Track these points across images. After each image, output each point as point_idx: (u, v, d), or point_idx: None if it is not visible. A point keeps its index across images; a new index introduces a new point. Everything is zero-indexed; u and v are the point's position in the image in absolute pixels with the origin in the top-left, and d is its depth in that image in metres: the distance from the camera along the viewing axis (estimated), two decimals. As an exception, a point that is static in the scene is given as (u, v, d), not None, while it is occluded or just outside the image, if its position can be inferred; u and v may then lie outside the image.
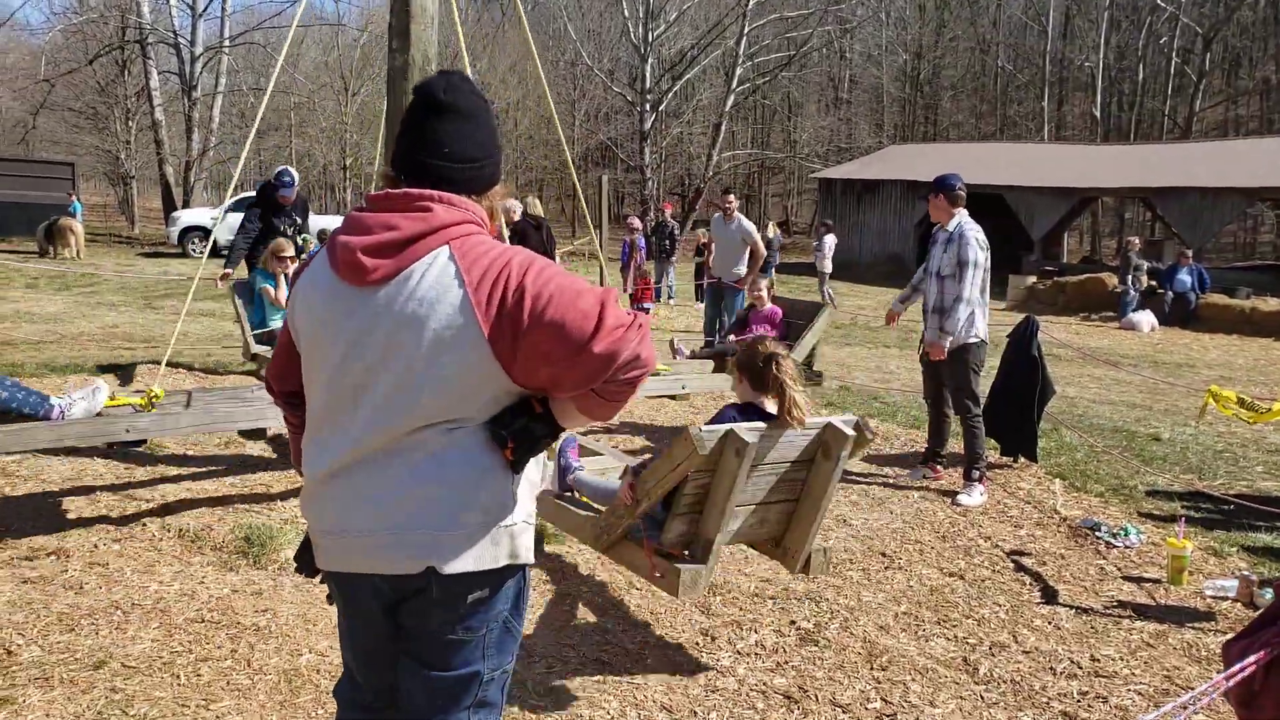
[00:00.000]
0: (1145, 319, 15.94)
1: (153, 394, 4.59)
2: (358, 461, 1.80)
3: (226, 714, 2.95)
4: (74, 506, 4.57)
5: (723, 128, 35.59)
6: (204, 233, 22.20)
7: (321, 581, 2.10)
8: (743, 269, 8.82)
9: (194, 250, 22.00)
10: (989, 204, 26.75)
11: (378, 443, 1.78)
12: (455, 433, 1.77)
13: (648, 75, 33.99)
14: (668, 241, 16.37)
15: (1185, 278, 16.68)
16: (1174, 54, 39.26)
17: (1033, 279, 20.06)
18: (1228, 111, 44.06)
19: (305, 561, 2.14)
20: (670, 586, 3.03)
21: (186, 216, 22.82)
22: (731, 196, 9.48)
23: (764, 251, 10.69)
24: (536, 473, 1.91)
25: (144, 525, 4.36)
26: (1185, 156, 24.97)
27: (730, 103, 35.04)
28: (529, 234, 11.48)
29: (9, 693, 2.99)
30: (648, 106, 34.41)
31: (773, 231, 18.97)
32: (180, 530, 4.32)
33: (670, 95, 35.64)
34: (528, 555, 1.86)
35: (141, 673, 3.15)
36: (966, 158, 29.05)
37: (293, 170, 7.87)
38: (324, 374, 1.84)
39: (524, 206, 11.94)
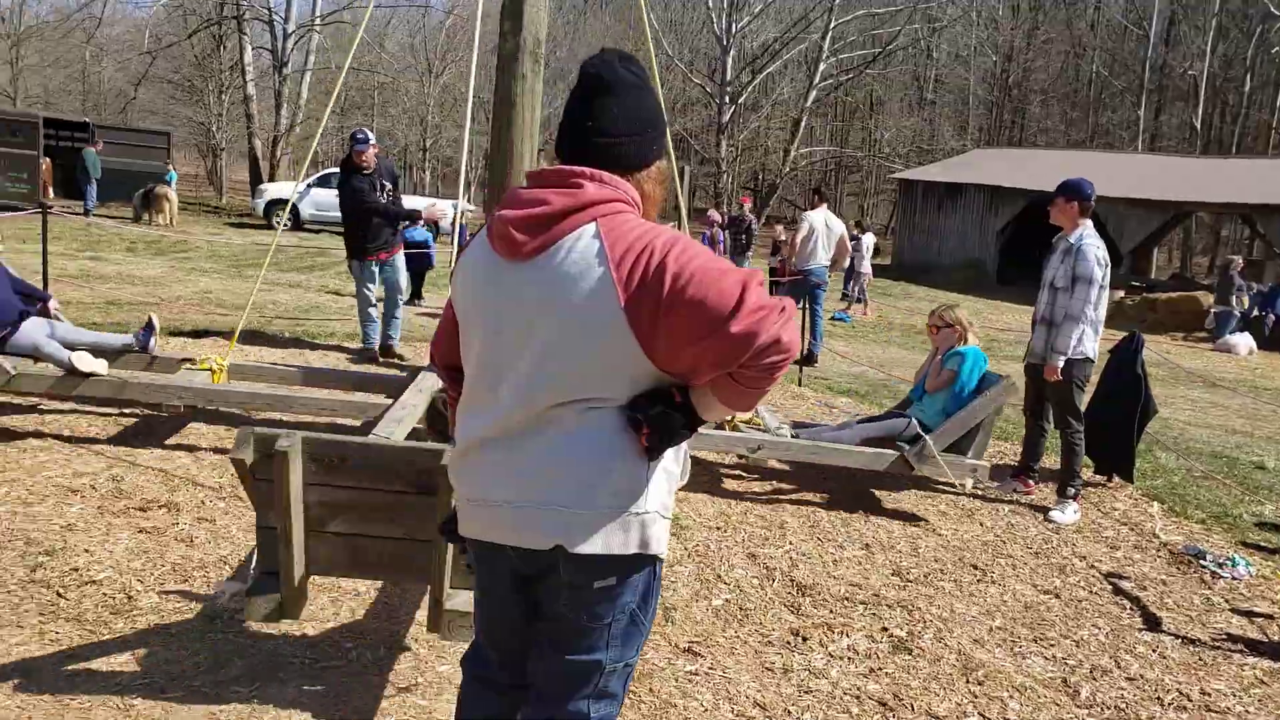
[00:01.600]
0: (1243, 341, 15.37)
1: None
2: (501, 435, 1.82)
3: (333, 677, 3.02)
4: (182, 464, 4.71)
5: (803, 123, 35.20)
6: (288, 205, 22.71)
7: (463, 550, 2.14)
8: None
9: (278, 222, 22.55)
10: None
11: (519, 417, 1.80)
12: (591, 413, 1.77)
13: (729, 67, 33.76)
14: (744, 236, 16.27)
15: (1286, 301, 16.05)
16: (1284, 66, 37.66)
17: (1120, 294, 19.48)
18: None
19: (452, 529, 2.18)
20: None
21: (272, 190, 23.37)
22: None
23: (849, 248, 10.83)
24: (676, 465, 1.89)
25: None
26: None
27: (812, 98, 34.64)
28: None
29: (131, 635, 3.11)
30: (727, 99, 34.18)
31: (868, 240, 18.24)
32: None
33: (750, 88, 35.35)
34: (659, 547, 1.84)
35: (241, 628, 3.23)
36: (1055, 165, 28.19)
37: (368, 130, 7.75)
38: (476, 347, 1.88)
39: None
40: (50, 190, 21.64)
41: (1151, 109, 42.05)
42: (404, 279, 7.90)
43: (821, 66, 33.39)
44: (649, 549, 1.82)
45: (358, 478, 2.61)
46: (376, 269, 7.44)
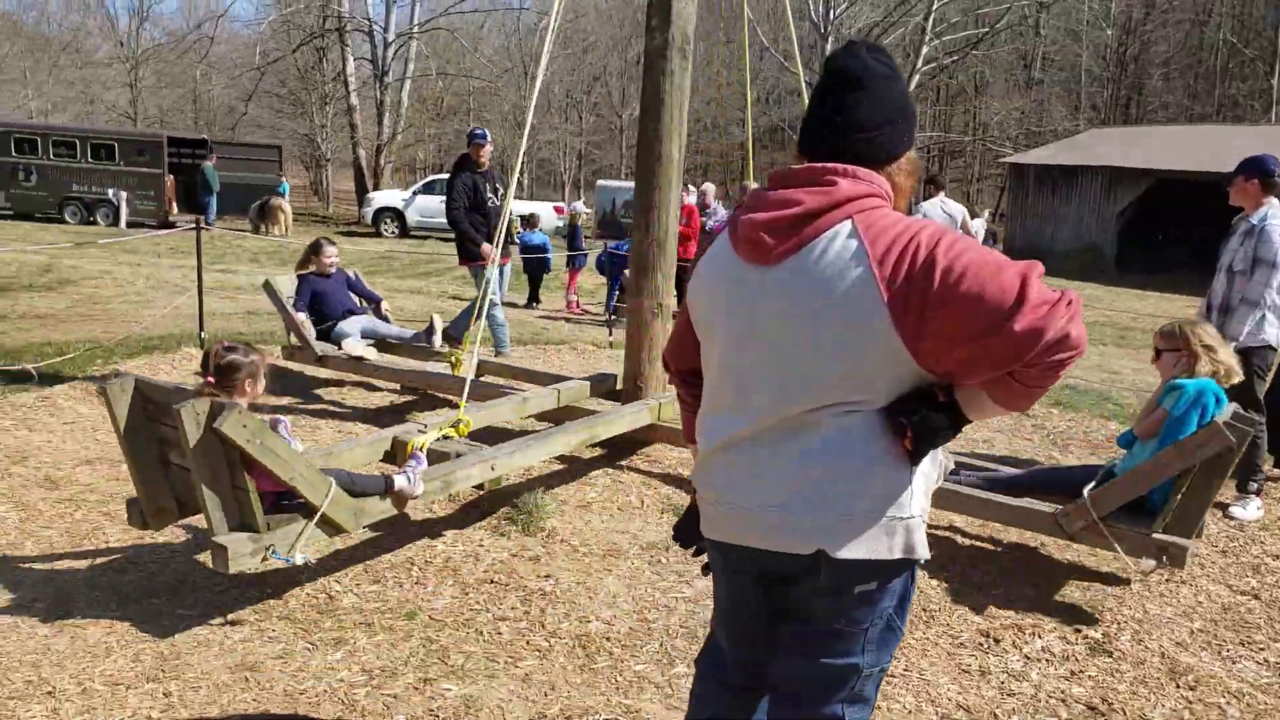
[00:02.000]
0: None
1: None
2: (750, 438, 1.81)
3: (532, 673, 3.07)
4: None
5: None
6: (395, 213, 23.39)
7: (696, 554, 2.14)
8: None
9: (386, 230, 23.21)
10: (1205, 192, 24.81)
11: (771, 422, 1.78)
12: (851, 416, 1.74)
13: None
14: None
15: None
16: None
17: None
18: None
19: (684, 533, 2.18)
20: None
21: (380, 198, 24.06)
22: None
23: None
24: (933, 468, 1.86)
25: (418, 488, 4.60)
26: None
27: (914, 83, 33.80)
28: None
29: (340, 634, 3.22)
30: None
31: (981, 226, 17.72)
32: (451, 495, 4.53)
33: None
34: (923, 551, 1.81)
35: (449, 626, 3.32)
36: (1180, 142, 26.90)
37: (485, 130, 7.80)
38: (720, 352, 1.87)
39: (745, 191, 11.96)
40: (174, 205, 22.74)
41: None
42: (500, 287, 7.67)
43: (924, 50, 32.55)
44: (914, 554, 1.79)
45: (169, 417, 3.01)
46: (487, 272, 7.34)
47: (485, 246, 7.37)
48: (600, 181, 26.01)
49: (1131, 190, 25.43)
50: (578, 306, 11.87)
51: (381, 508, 3.52)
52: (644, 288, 5.05)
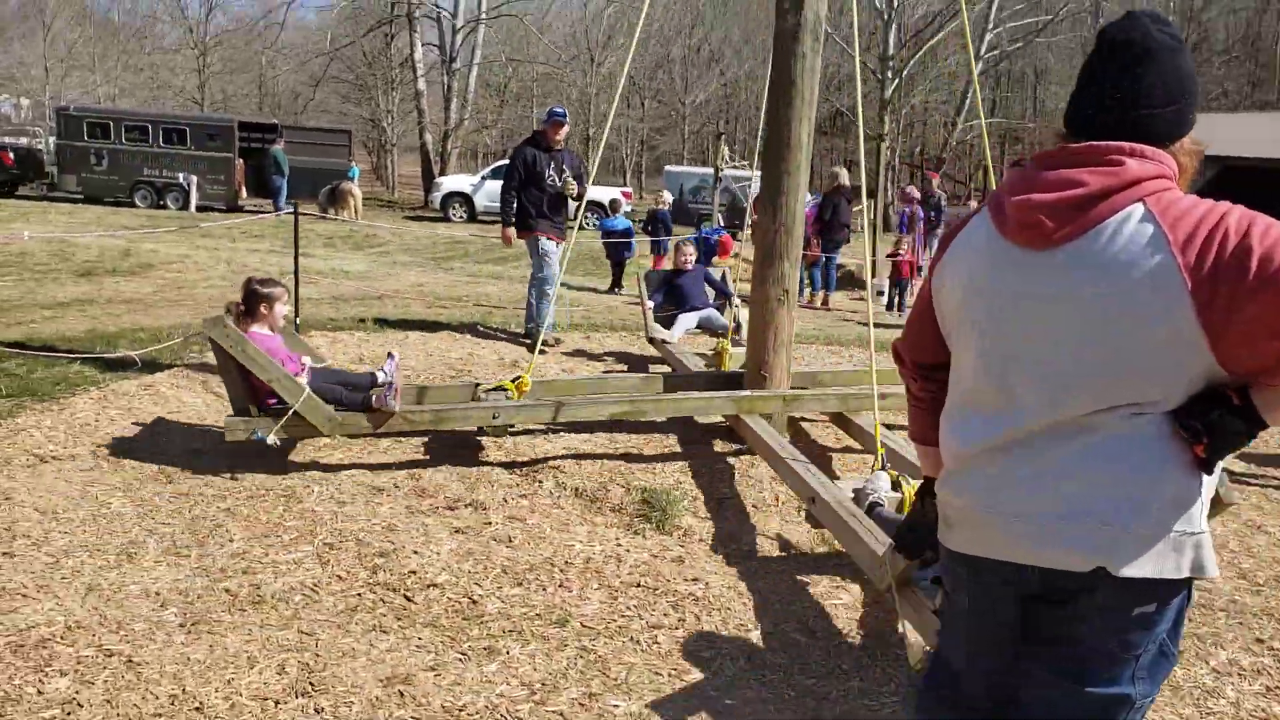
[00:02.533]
0: None
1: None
2: (1020, 441, 1.63)
3: (701, 687, 2.87)
4: (468, 456, 4.73)
5: (969, 96, 33.58)
6: (463, 198, 23.38)
7: (923, 566, 1.95)
8: None
9: (454, 215, 23.21)
10: (1274, 179, 23.89)
11: (1045, 424, 1.60)
12: (1138, 419, 1.55)
13: (890, 40, 32.52)
14: (934, 214, 15.56)
15: None
16: None
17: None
18: None
19: (910, 541, 1.99)
20: None
21: (448, 183, 24.05)
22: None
23: None
24: (1214, 476, 1.63)
25: (539, 482, 4.43)
26: None
27: (979, 69, 32.94)
28: (840, 207, 11.22)
29: (491, 643, 3.05)
30: (889, 74, 32.95)
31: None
32: (576, 489, 4.35)
33: (913, 61, 33.96)
34: (1213, 569, 1.60)
35: (603, 635, 3.14)
36: (1248, 129, 25.95)
37: (564, 109, 7.60)
38: (980, 345, 1.69)
39: (835, 179, 11.65)
40: (244, 190, 22.98)
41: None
42: (553, 269, 7.16)
43: (988, 37, 31.70)
44: (1204, 571, 1.59)
45: None
46: (538, 247, 7.14)
47: (508, 231, 7.29)
48: (668, 168, 25.77)
49: (1200, 177, 24.55)
50: (659, 294, 11.67)
51: (363, 423, 4.41)
52: (769, 275, 4.81)
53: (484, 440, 4.87)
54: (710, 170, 24.65)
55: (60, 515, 3.83)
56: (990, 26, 31.93)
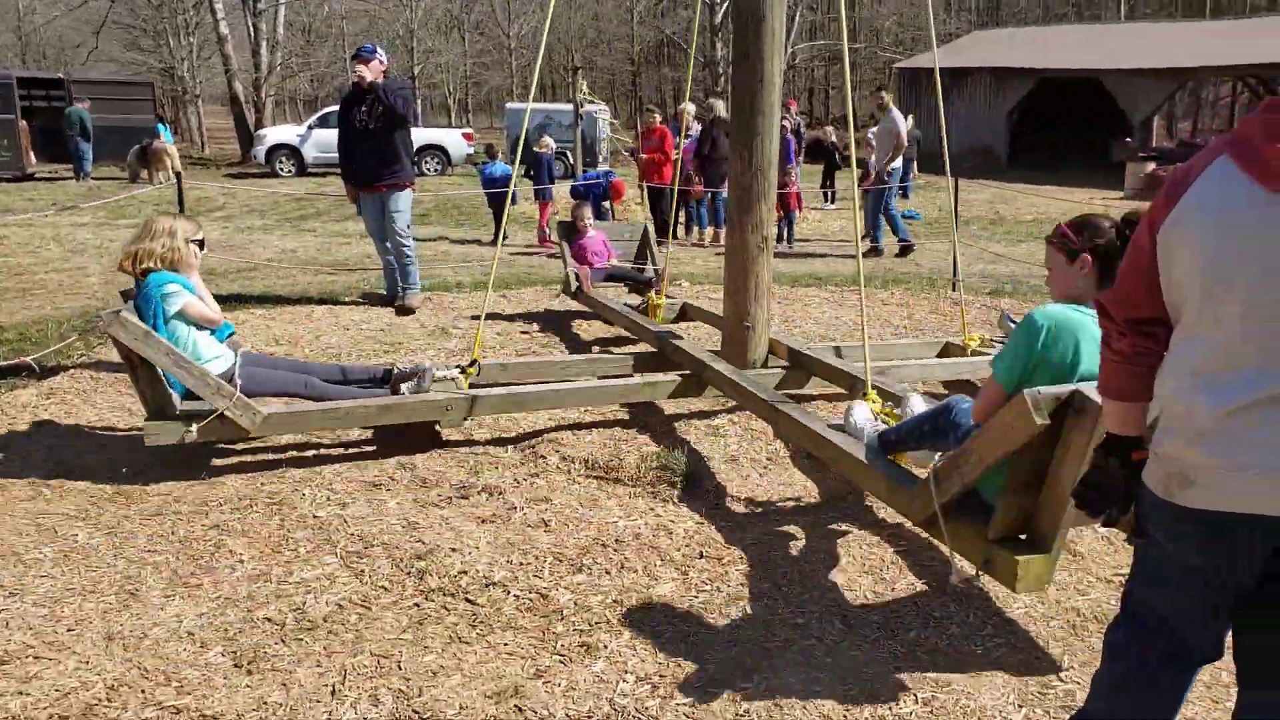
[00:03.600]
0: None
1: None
2: None
3: (816, 651, 2.81)
4: (452, 436, 4.44)
5: (795, 19, 34.19)
6: (290, 150, 21.85)
7: (1106, 523, 1.97)
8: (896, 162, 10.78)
9: (282, 169, 21.68)
10: (1083, 88, 25.73)
11: None
12: None
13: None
14: (797, 142, 15.79)
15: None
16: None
17: (1152, 166, 19.30)
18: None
19: (1093, 499, 1.98)
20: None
21: (272, 135, 22.33)
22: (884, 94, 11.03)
23: (904, 143, 10.99)
24: None
25: (543, 458, 4.21)
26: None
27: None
28: (719, 141, 11.05)
29: (583, 638, 2.87)
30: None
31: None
32: (586, 461, 4.16)
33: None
34: None
35: (691, 614, 3.01)
36: (1060, 42, 27.85)
37: (373, 45, 6.81)
38: (1251, 300, 1.64)
39: (712, 110, 11.51)
40: (31, 154, 20.56)
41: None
42: (401, 220, 6.79)
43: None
44: None
45: None
46: (364, 204, 6.86)
47: (347, 187, 6.90)
48: (509, 104, 24.90)
49: (1018, 90, 26.14)
50: (550, 240, 11.33)
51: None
52: (748, 221, 4.69)
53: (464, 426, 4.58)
54: (557, 106, 24.08)
55: (24, 557, 3.32)
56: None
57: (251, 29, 25.44)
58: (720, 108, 11.56)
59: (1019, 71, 25.94)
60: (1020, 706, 2.57)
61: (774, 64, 4.54)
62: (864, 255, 9.70)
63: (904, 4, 40.56)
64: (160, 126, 21.60)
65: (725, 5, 33.31)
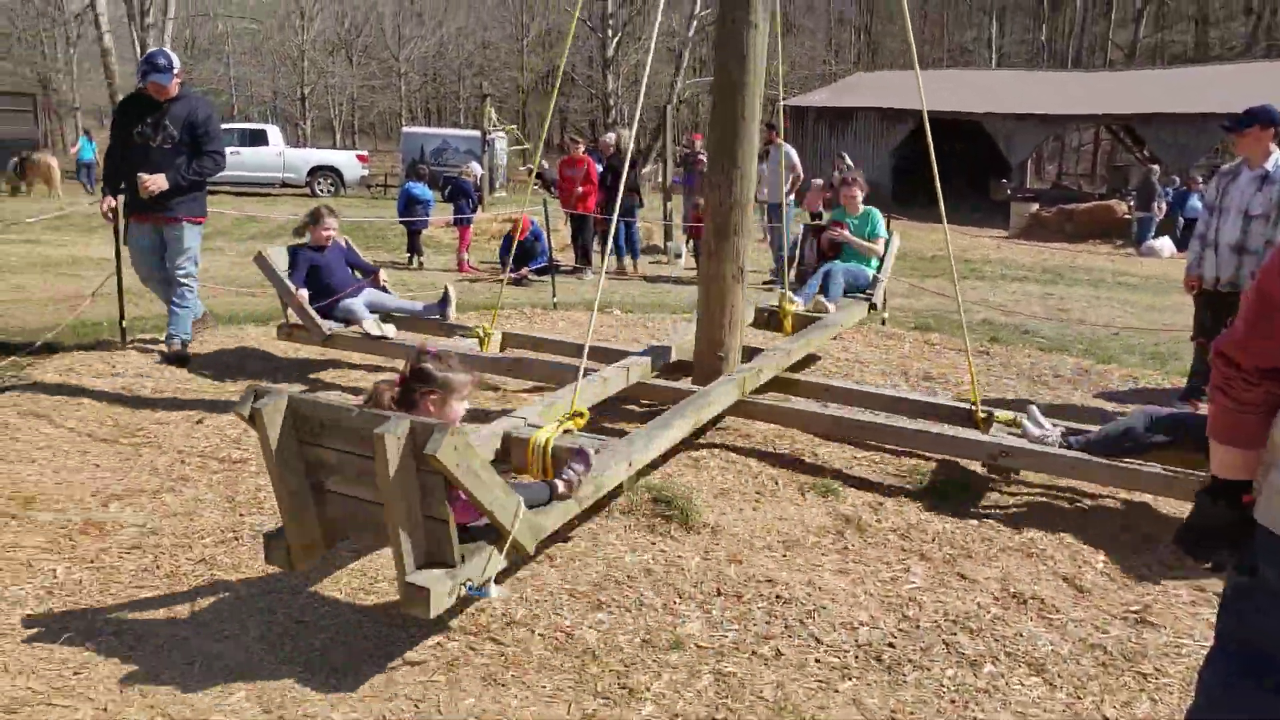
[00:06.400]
0: (1165, 245, 16.47)
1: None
2: None
3: (848, 692, 2.82)
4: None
5: (685, 55, 34.89)
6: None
7: (1213, 568, 2.01)
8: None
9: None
10: (963, 130, 27.14)
11: None
12: None
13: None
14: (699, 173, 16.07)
15: (1196, 203, 17.26)
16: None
17: (1035, 206, 20.49)
18: (1163, 37, 45.31)
19: (1202, 543, 2.02)
20: None
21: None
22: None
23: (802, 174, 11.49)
24: None
25: (532, 492, 4.11)
26: (1161, 82, 25.64)
27: (693, 28, 34.31)
28: (620, 171, 11.10)
29: (622, 680, 2.80)
30: (609, 32, 33.46)
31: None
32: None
33: (631, 20, 34.71)
34: None
35: (724, 654, 2.97)
36: (939, 85, 29.23)
37: (170, 53, 5.98)
38: None
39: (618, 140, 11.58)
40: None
41: (998, 25, 44.02)
42: (186, 257, 5.97)
43: (699, -1, 32.93)
44: None
45: (340, 440, 2.72)
46: (133, 233, 5.98)
47: (106, 200, 5.92)
48: (406, 129, 24.53)
49: (902, 129, 27.39)
50: (470, 266, 11.16)
51: (551, 522, 3.17)
52: (724, 251, 4.74)
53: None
54: (455, 132, 23.92)
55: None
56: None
57: (139, 44, 24.29)
58: (623, 137, 11.71)
59: (901, 111, 27.15)
60: (1064, 732, 2.63)
61: (754, 98, 4.63)
62: (765, 285, 9.93)
63: (792, 46, 42.01)
64: (84, 142, 20.58)
65: (618, 39, 33.79)
